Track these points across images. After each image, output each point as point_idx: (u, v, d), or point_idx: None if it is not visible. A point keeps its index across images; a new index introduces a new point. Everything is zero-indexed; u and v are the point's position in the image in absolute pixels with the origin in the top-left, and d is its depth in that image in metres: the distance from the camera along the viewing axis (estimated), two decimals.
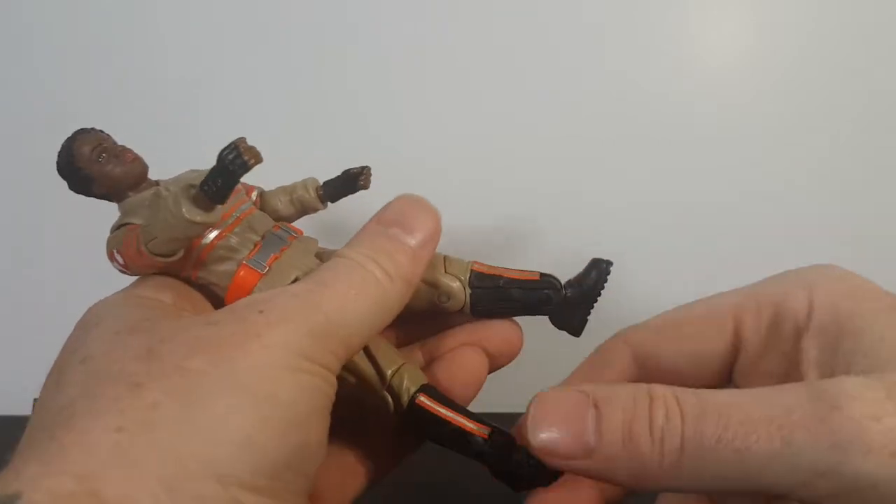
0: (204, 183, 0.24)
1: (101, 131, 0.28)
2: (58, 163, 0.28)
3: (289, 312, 0.20)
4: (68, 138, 0.28)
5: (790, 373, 0.23)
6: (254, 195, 0.31)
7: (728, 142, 0.59)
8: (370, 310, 0.22)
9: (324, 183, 0.32)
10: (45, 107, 0.60)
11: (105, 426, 0.18)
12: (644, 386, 0.20)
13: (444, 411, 0.26)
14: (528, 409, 0.22)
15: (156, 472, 0.17)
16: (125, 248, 0.28)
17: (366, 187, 0.31)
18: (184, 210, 0.24)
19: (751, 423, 0.18)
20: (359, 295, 0.22)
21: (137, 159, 0.28)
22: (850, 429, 0.17)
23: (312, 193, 0.32)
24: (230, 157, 0.23)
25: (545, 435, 0.21)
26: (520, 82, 0.56)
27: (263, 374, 0.19)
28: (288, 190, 0.32)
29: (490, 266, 0.30)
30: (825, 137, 0.58)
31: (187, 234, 0.25)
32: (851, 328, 0.21)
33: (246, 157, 0.23)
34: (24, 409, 0.47)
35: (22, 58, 0.60)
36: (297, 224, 0.32)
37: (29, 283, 0.61)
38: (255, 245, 0.27)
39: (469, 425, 0.26)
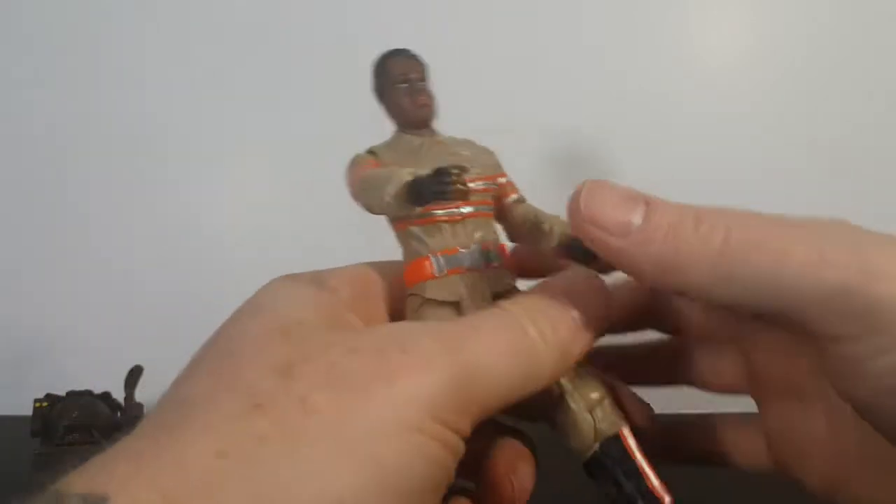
0: (412, 183, 0.23)
1: (421, 61, 0.27)
2: (376, 61, 0.27)
3: (432, 356, 0.18)
4: (397, 49, 0.27)
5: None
6: (510, 199, 0.27)
7: (727, 140, 0.59)
8: (517, 370, 0.20)
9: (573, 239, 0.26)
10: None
11: (208, 446, 0.16)
12: (692, 207, 0.21)
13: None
14: (581, 184, 0.22)
15: None
16: (351, 176, 0.26)
17: (596, 265, 0.25)
18: (387, 191, 0.23)
19: (790, 239, 0.19)
20: (509, 350, 0.20)
21: (426, 107, 0.26)
22: (875, 258, 0.19)
23: (556, 233, 0.26)
24: (437, 185, 0.22)
25: (594, 207, 0.21)
26: (519, 82, 0.56)
27: (379, 432, 0.17)
28: (544, 217, 0.27)
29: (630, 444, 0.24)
30: (825, 136, 0.59)
31: (381, 211, 0.24)
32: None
33: (449, 193, 0.22)
34: (24, 409, 0.47)
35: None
36: None
37: (29, 284, 0.61)
38: (454, 249, 0.25)
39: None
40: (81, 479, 0.16)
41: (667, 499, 0.23)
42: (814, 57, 0.58)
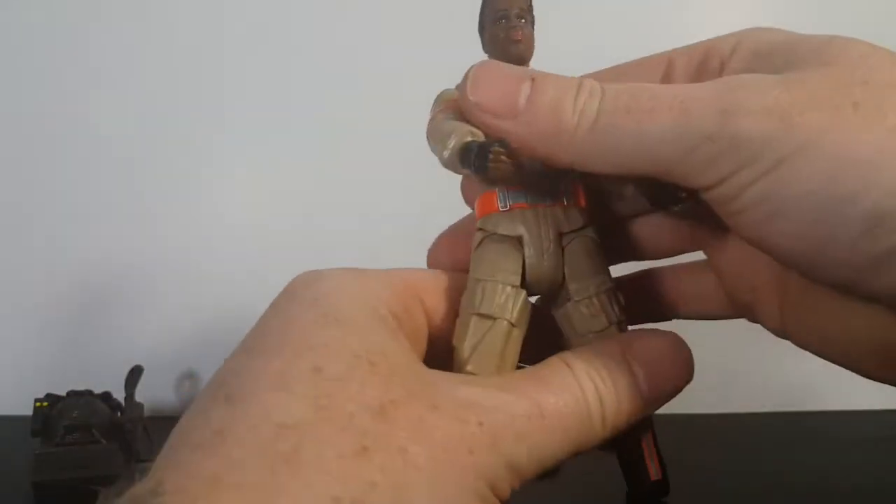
0: (463, 149, 0.23)
1: None
2: None
3: (501, 437, 0.19)
4: None
5: None
6: None
7: None
8: (567, 451, 0.21)
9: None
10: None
11: (324, 491, 0.16)
12: (576, 78, 0.22)
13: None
14: (469, 70, 0.23)
15: None
16: (430, 113, 0.26)
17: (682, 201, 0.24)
18: (447, 146, 0.23)
19: (658, 99, 0.20)
20: (567, 438, 0.20)
21: (520, 42, 0.25)
22: (737, 99, 0.20)
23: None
24: (478, 154, 0.22)
25: (480, 94, 0.22)
26: None
27: (464, 494, 0.18)
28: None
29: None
30: None
31: (441, 163, 0.24)
32: (770, 52, 0.23)
33: (490, 166, 0.22)
34: (24, 409, 0.47)
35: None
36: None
37: (29, 283, 0.61)
38: (520, 185, 0.24)
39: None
40: None
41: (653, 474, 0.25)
42: None
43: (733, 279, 0.27)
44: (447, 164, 0.24)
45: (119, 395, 0.49)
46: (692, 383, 0.24)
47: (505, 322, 0.24)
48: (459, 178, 0.27)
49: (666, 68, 0.26)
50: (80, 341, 0.59)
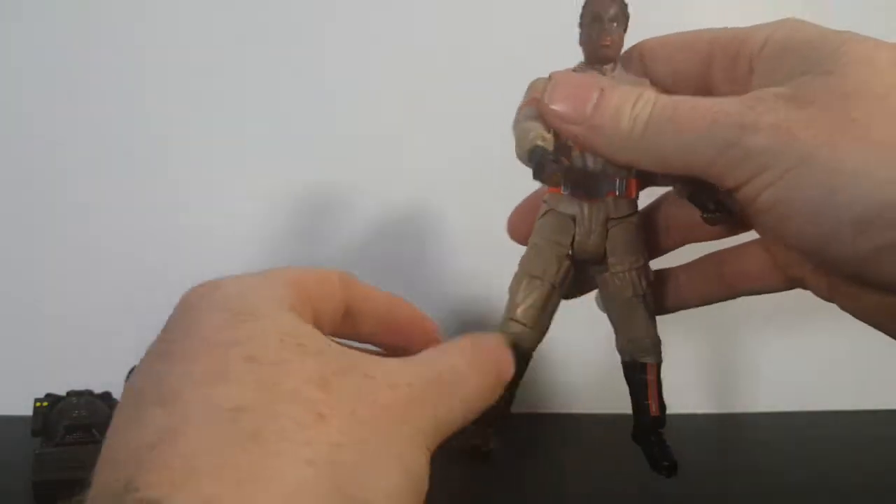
0: (530, 153, 0.27)
1: (619, 1, 0.30)
2: None
3: (428, 397, 0.22)
4: None
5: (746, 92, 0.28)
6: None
7: None
8: (466, 413, 0.24)
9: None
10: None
11: (296, 456, 0.17)
12: (639, 89, 0.27)
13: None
14: (550, 77, 0.28)
15: None
16: (522, 102, 0.30)
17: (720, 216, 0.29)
18: (521, 145, 0.28)
19: (695, 111, 0.25)
20: (467, 399, 0.24)
21: (607, 47, 0.30)
22: (753, 116, 0.23)
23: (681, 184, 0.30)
24: (537, 164, 0.26)
25: (558, 104, 0.27)
26: (518, 81, 0.56)
27: (411, 447, 0.20)
28: None
29: None
30: None
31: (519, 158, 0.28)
32: (791, 51, 0.26)
33: (542, 175, 0.26)
34: (24, 409, 0.47)
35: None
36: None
37: (29, 284, 0.61)
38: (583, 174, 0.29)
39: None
40: (182, 493, 0.16)
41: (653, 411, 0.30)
42: None
43: (785, 258, 0.30)
44: (519, 158, 0.28)
45: (119, 394, 0.49)
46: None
47: (548, 283, 0.30)
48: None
49: (706, 58, 0.30)
50: (80, 341, 0.59)
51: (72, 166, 0.60)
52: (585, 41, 0.31)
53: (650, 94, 0.26)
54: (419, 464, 0.20)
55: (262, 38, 0.60)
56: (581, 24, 0.31)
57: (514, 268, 0.31)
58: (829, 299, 0.30)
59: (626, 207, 0.30)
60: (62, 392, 0.47)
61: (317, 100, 0.60)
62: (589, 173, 0.29)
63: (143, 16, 0.60)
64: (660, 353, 0.31)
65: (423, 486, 0.20)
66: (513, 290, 0.30)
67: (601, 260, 0.30)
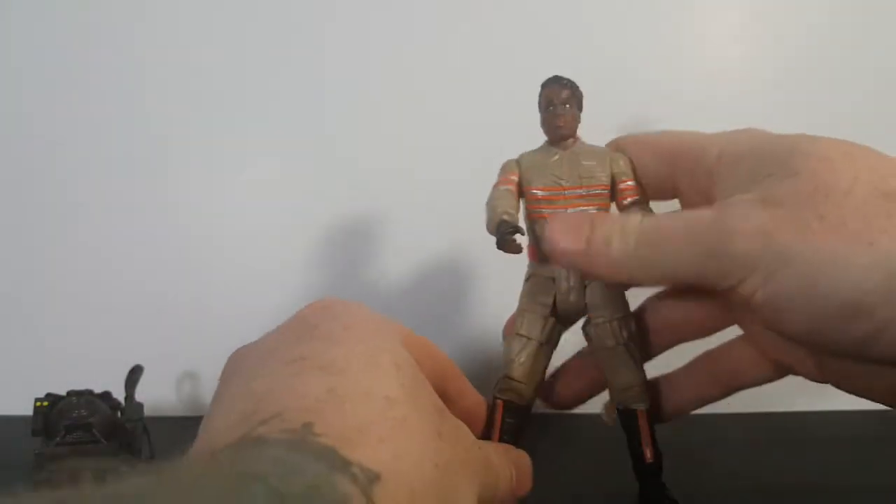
0: (495, 227, 0.32)
1: (566, 86, 0.34)
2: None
3: (473, 466, 0.25)
4: (550, 78, 0.34)
5: (706, 199, 0.30)
6: (625, 202, 0.34)
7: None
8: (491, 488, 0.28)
9: None
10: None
11: (426, 446, 0.22)
12: (625, 214, 0.31)
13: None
14: (547, 224, 0.31)
15: None
16: (498, 177, 0.34)
17: None
18: (490, 219, 0.32)
19: (674, 228, 0.27)
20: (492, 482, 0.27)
21: (561, 128, 0.34)
22: (728, 224, 0.26)
23: None
24: (499, 238, 0.31)
25: (558, 242, 0.30)
26: (517, 81, 0.56)
27: (473, 496, 0.24)
28: None
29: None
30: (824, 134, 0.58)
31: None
32: (744, 163, 0.28)
33: (504, 246, 0.31)
34: (24, 408, 0.47)
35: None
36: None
37: (29, 283, 0.61)
38: None
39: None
40: (355, 453, 0.19)
41: (647, 457, 0.34)
42: (814, 52, 0.58)
43: (772, 349, 0.33)
44: (488, 228, 0.32)
45: (119, 394, 0.49)
46: None
47: (535, 343, 0.34)
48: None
49: (670, 158, 0.33)
50: (80, 341, 0.59)
51: (72, 166, 0.60)
52: (544, 125, 0.34)
53: (634, 220, 0.29)
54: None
55: (262, 39, 0.60)
56: (539, 109, 0.34)
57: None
58: (821, 381, 0.31)
59: None
60: (62, 392, 0.47)
61: (317, 100, 0.60)
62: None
63: (143, 16, 0.60)
64: (648, 399, 0.34)
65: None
66: (506, 350, 0.34)
67: (583, 314, 0.34)
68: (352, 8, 0.59)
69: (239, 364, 0.24)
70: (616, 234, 0.28)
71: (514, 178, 0.34)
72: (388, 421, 0.21)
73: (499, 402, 0.34)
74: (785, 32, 0.58)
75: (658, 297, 0.35)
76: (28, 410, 0.46)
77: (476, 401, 0.32)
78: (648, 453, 0.33)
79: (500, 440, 0.33)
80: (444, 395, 0.29)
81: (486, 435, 0.33)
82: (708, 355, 0.35)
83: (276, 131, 0.60)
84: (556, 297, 0.34)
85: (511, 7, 0.59)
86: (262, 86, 0.60)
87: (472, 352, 0.58)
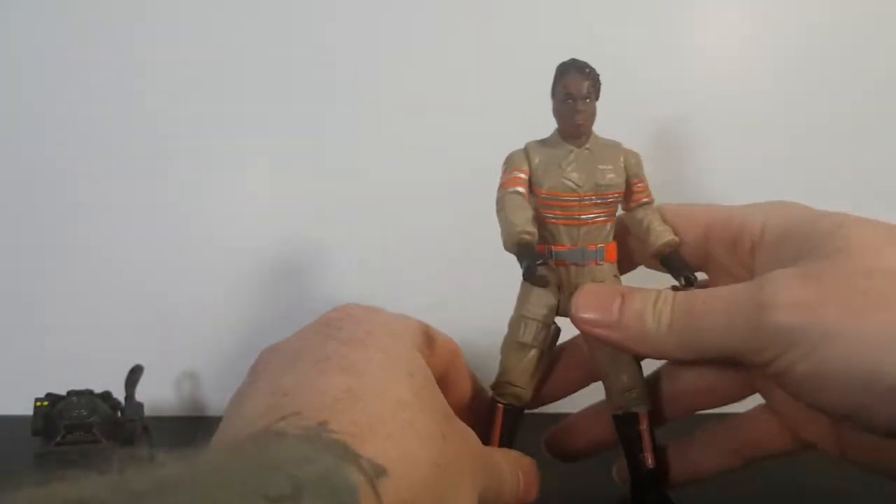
0: (517, 249, 0.30)
1: (589, 77, 0.31)
2: (557, 67, 0.32)
3: (479, 470, 0.26)
4: (571, 64, 0.31)
5: (754, 273, 0.30)
6: (635, 203, 0.33)
7: (725, 138, 0.59)
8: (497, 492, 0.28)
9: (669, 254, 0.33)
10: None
11: (430, 447, 0.22)
12: (657, 291, 0.29)
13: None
14: (576, 293, 0.30)
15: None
16: (501, 176, 0.32)
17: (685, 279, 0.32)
18: (506, 232, 0.30)
19: (710, 304, 0.27)
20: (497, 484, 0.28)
21: (581, 126, 0.31)
22: (767, 298, 0.25)
23: (654, 245, 0.32)
24: (527, 269, 0.29)
25: (586, 313, 0.29)
26: (516, 81, 0.56)
27: (474, 493, 0.25)
28: (654, 227, 0.33)
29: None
30: (824, 135, 0.59)
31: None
32: (790, 236, 0.28)
33: (532, 278, 0.29)
34: (24, 408, 0.47)
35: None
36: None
37: (29, 284, 0.61)
38: (565, 246, 0.32)
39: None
40: (365, 448, 0.20)
41: (649, 463, 0.32)
42: (813, 54, 0.58)
43: (794, 422, 0.32)
44: (507, 250, 0.30)
45: (119, 394, 0.49)
46: None
47: (538, 350, 0.33)
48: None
49: (704, 233, 0.32)
50: (80, 341, 0.59)
51: (72, 166, 0.60)
52: (559, 117, 0.32)
53: (666, 293, 0.28)
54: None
55: (262, 39, 0.60)
56: (553, 96, 0.31)
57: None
58: (840, 457, 0.31)
59: (608, 271, 0.32)
60: (62, 392, 0.47)
61: (317, 102, 0.60)
62: (571, 247, 0.32)
63: (143, 16, 0.60)
64: (649, 402, 0.33)
65: None
66: (504, 355, 0.33)
67: None
68: (352, 10, 0.59)
69: (269, 360, 0.25)
70: (649, 310, 0.28)
71: (524, 175, 0.31)
72: (397, 421, 0.22)
73: (499, 406, 0.33)
74: (785, 32, 0.58)
75: (676, 363, 0.34)
76: (28, 410, 0.46)
77: (476, 387, 0.33)
78: (650, 459, 0.32)
79: (500, 442, 0.33)
80: (446, 379, 0.30)
81: (485, 435, 0.33)
82: (729, 424, 0.35)
83: (277, 132, 0.60)
84: (559, 303, 0.32)
85: (511, 6, 0.59)
86: (266, 87, 0.60)
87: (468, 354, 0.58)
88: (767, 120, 0.59)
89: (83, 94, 0.60)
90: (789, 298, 0.25)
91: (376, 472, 0.20)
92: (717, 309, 0.27)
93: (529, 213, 0.31)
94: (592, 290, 0.30)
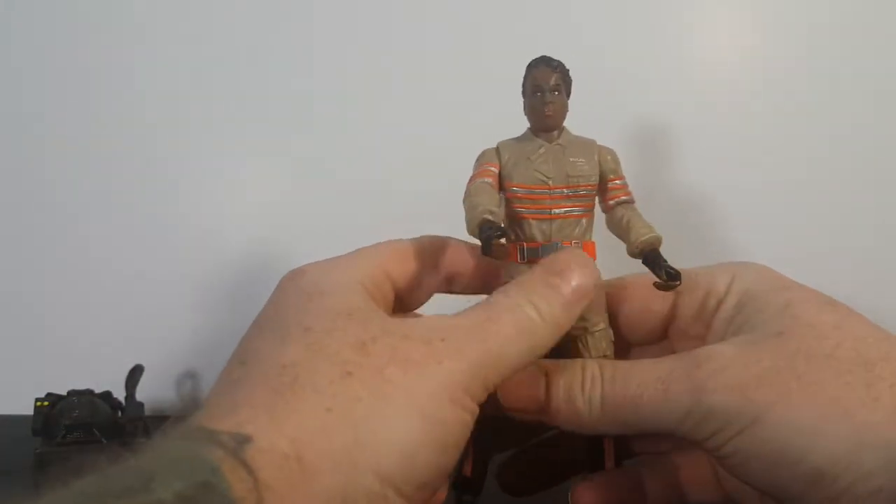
0: (478, 226, 0.28)
1: (557, 70, 0.31)
2: (527, 64, 0.31)
3: (463, 346, 0.24)
4: (539, 58, 0.31)
5: (707, 337, 0.30)
6: (612, 201, 0.32)
7: (726, 138, 0.59)
8: (524, 350, 0.25)
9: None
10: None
11: (319, 403, 0.21)
12: (579, 361, 0.29)
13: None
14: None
15: (343, 454, 0.21)
16: (473, 171, 0.31)
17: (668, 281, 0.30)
18: (470, 217, 0.29)
19: (645, 384, 0.27)
20: (517, 335, 0.25)
21: (550, 117, 0.31)
22: (704, 378, 0.25)
23: (635, 244, 0.30)
24: (484, 241, 0.27)
25: (511, 399, 0.28)
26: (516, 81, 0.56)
27: (436, 399, 0.23)
28: (633, 225, 0.31)
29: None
30: (825, 136, 0.59)
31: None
32: (747, 304, 0.28)
33: (489, 250, 0.27)
34: (25, 408, 0.47)
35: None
36: None
37: (29, 283, 0.61)
38: (537, 243, 0.31)
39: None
40: (223, 421, 0.20)
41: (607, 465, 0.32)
42: (814, 56, 0.58)
43: (727, 482, 0.32)
44: (470, 234, 0.29)
45: (119, 394, 0.49)
46: None
47: None
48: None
49: (673, 300, 0.31)
50: (80, 341, 0.59)
51: (72, 166, 0.60)
52: (529, 112, 0.31)
53: (592, 370, 0.28)
54: (444, 413, 0.23)
55: (261, 39, 0.60)
56: (523, 94, 0.31)
57: None
58: None
59: None
60: (62, 392, 0.47)
61: (318, 100, 0.60)
62: (543, 243, 0.31)
63: (131, 18, 0.60)
64: None
65: (448, 433, 0.23)
66: None
67: None
68: (338, 11, 0.59)
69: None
70: (577, 390, 0.28)
71: (494, 169, 0.31)
72: (270, 387, 0.22)
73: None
74: (785, 32, 0.58)
75: (644, 460, 0.34)
76: (28, 410, 0.46)
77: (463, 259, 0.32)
78: (608, 465, 0.32)
79: (476, 454, 0.31)
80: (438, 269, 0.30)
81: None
82: (667, 462, 0.34)
83: (277, 132, 0.60)
84: None
85: (500, 7, 0.59)
86: (263, 88, 0.60)
87: None
88: (767, 119, 0.59)
89: (84, 94, 0.60)
90: (724, 380, 0.25)
91: (238, 442, 0.20)
92: (650, 391, 0.26)
93: (494, 197, 0.30)
94: (513, 382, 0.27)
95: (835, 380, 0.24)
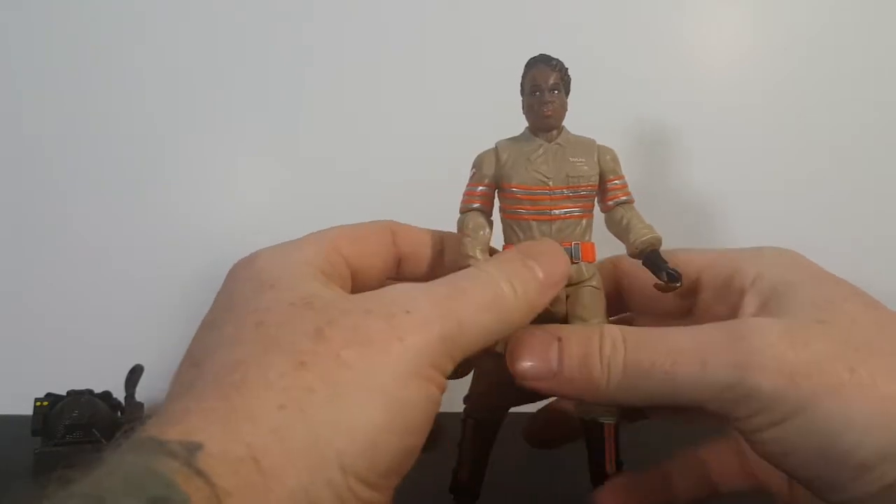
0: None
1: (556, 69, 0.30)
2: (526, 63, 0.31)
3: (430, 317, 0.23)
4: (538, 57, 0.31)
5: (731, 318, 0.28)
6: (612, 202, 0.31)
7: (726, 139, 0.59)
8: (493, 321, 0.24)
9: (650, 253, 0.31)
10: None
11: (271, 400, 0.20)
12: (597, 325, 0.27)
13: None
14: (507, 343, 0.27)
15: (302, 452, 0.20)
16: (469, 179, 0.31)
17: (668, 281, 0.29)
18: (460, 252, 0.29)
19: (678, 352, 0.24)
20: (487, 307, 0.24)
21: (549, 117, 0.30)
22: (749, 353, 0.24)
23: (635, 244, 0.30)
24: None
25: (521, 364, 0.26)
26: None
27: (398, 378, 0.21)
28: (633, 226, 0.31)
29: None
30: (825, 136, 0.59)
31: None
32: (779, 290, 0.27)
33: None
34: (24, 408, 0.47)
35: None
36: None
37: (29, 283, 0.61)
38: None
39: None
40: (173, 430, 0.19)
41: (608, 469, 0.31)
42: (814, 58, 0.58)
43: (755, 467, 0.31)
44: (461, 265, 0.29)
45: (119, 394, 0.49)
46: None
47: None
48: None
49: (697, 276, 0.30)
50: (80, 341, 0.59)
51: (71, 167, 0.60)
52: (527, 111, 0.31)
53: (613, 333, 0.26)
54: (407, 393, 0.21)
55: (243, 38, 0.60)
56: (522, 92, 0.31)
57: None
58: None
59: (584, 273, 0.30)
60: (62, 392, 0.47)
61: (319, 101, 0.60)
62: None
63: (140, 15, 0.60)
64: (617, 412, 0.31)
65: (414, 413, 0.22)
66: (481, 371, 0.32)
67: (566, 321, 0.31)
68: (337, 10, 0.59)
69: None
70: (595, 355, 0.25)
71: (484, 187, 0.31)
72: (219, 390, 0.21)
73: (471, 421, 0.32)
74: (785, 32, 0.59)
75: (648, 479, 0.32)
76: (28, 410, 0.46)
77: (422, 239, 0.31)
78: (609, 466, 0.31)
79: (473, 459, 0.31)
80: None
81: (460, 451, 0.32)
82: (692, 457, 0.33)
83: (277, 133, 0.60)
84: None
85: (499, 7, 0.59)
86: (260, 85, 0.60)
87: None
88: (767, 119, 0.59)
89: (83, 94, 0.60)
90: (773, 363, 0.23)
91: (189, 450, 0.19)
92: (685, 362, 0.24)
93: (487, 235, 0.30)
94: (524, 334, 0.27)
95: (887, 375, 0.23)
